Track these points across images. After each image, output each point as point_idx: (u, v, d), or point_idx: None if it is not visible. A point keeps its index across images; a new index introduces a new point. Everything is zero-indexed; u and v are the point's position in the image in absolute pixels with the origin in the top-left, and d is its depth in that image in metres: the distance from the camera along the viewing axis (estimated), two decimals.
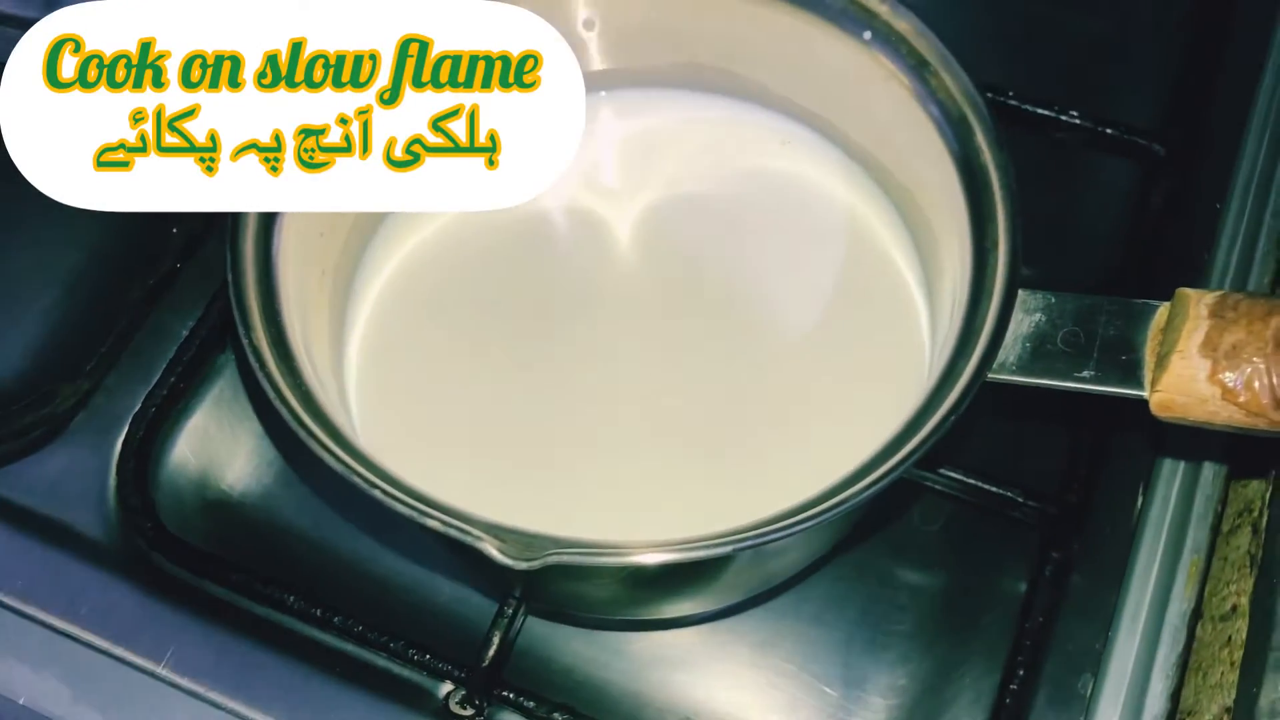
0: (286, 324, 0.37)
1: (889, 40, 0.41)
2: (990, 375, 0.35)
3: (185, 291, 0.52)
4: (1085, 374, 0.35)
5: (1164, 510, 0.46)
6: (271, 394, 0.34)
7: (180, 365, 0.49)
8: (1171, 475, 0.47)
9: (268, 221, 0.39)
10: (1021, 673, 0.43)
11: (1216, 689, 0.44)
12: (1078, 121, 0.52)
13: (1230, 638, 0.45)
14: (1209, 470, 0.47)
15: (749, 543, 0.32)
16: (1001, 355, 0.35)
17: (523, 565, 0.32)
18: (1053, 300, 0.36)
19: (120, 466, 0.48)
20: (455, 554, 0.44)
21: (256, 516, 0.48)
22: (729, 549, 0.32)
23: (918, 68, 0.40)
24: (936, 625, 0.46)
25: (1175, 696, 0.43)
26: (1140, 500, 0.47)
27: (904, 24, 0.40)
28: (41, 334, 0.51)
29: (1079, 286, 0.38)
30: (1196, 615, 0.44)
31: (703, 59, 0.46)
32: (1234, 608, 0.46)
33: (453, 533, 0.32)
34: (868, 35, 0.41)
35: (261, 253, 0.38)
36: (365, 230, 0.45)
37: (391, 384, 0.43)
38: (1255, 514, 0.46)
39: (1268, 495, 0.44)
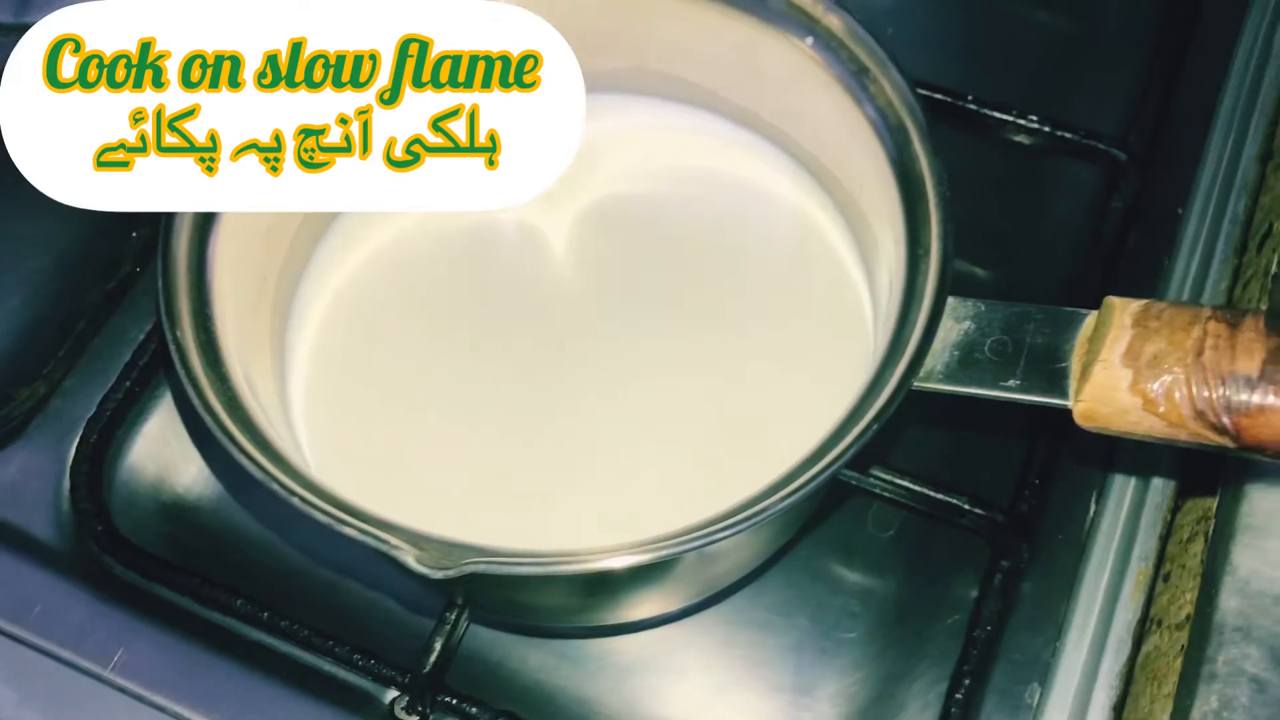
0: (218, 329, 0.37)
1: (830, 45, 0.40)
2: (916, 384, 0.35)
3: (142, 296, 0.52)
4: (1011, 383, 0.34)
5: (1115, 519, 0.46)
6: (193, 394, 0.34)
7: (135, 370, 0.50)
8: (1124, 483, 0.47)
9: (204, 221, 0.39)
10: (968, 681, 0.43)
11: (1170, 698, 0.43)
12: (1037, 125, 0.52)
13: (1183, 647, 0.44)
14: (1159, 481, 0.46)
15: (668, 550, 0.32)
16: (929, 363, 0.35)
17: (439, 574, 0.32)
18: (982, 308, 0.36)
19: (74, 470, 0.48)
20: (385, 563, 0.43)
21: (210, 521, 0.48)
22: (649, 557, 0.32)
23: (857, 74, 0.40)
24: (887, 632, 0.46)
25: (1119, 708, 0.42)
26: (1093, 509, 0.47)
27: (844, 29, 0.40)
28: (3, 337, 0.51)
29: (1037, 292, 0.38)
30: (1144, 624, 0.44)
31: (650, 64, 0.46)
32: (1188, 616, 0.45)
33: (369, 541, 0.32)
34: (810, 40, 0.41)
35: (195, 254, 0.38)
36: (310, 237, 0.45)
37: (339, 396, 0.43)
38: (1210, 522, 0.46)
39: (1215, 505, 0.44)
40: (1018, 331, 0.35)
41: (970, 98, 0.52)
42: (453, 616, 0.43)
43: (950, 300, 0.35)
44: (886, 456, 0.46)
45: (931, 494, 0.45)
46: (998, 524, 0.45)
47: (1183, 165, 0.52)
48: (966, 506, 0.45)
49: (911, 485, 0.45)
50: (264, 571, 0.47)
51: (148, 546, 0.47)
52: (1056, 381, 0.34)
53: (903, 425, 0.45)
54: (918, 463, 0.46)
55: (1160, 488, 0.46)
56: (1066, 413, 0.35)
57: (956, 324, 0.36)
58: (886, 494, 0.46)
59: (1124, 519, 0.46)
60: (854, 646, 0.46)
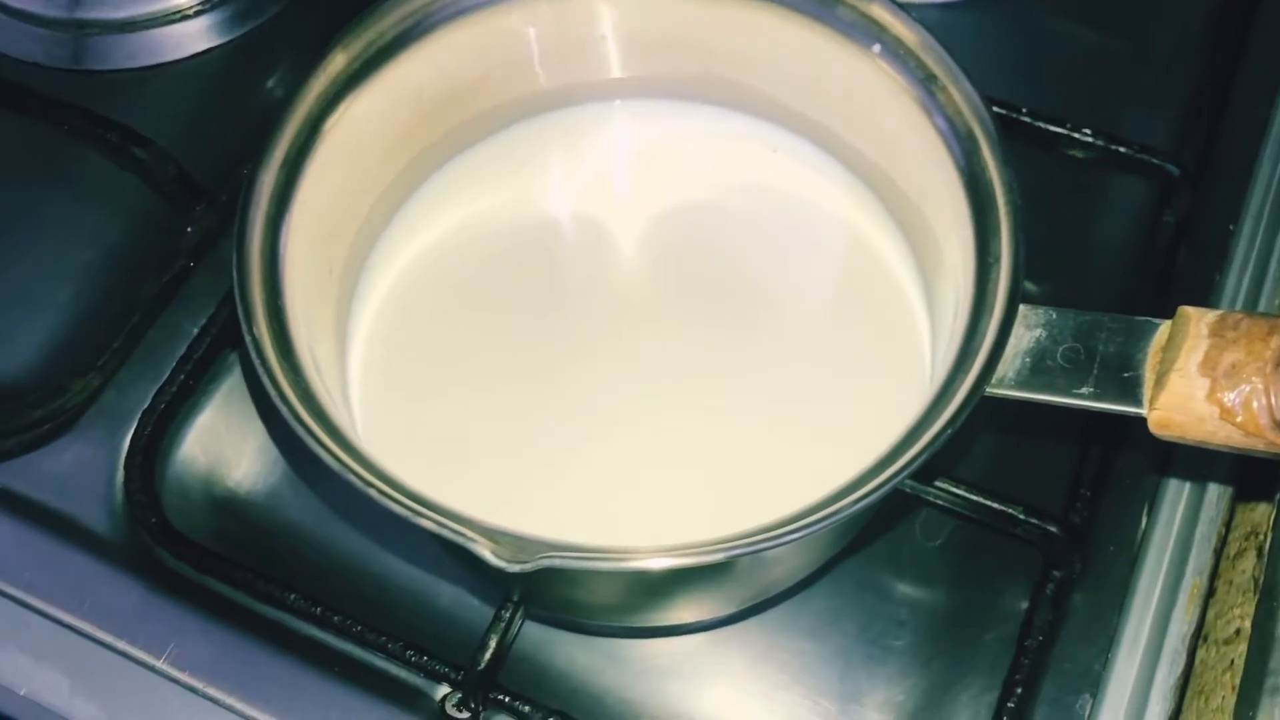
0: (290, 321, 0.37)
1: (898, 54, 0.41)
2: (989, 390, 0.35)
3: (197, 290, 0.52)
4: (1084, 390, 0.35)
5: (1168, 531, 0.46)
6: (270, 387, 0.34)
7: (190, 363, 0.50)
8: (1176, 496, 0.46)
9: (276, 221, 0.39)
10: (1019, 691, 0.43)
11: (1218, 713, 0.43)
12: (1090, 139, 0.52)
13: (1233, 662, 0.44)
14: (1214, 491, 0.46)
15: (740, 550, 0.32)
16: (1000, 370, 0.35)
17: (515, 568, 0.32)
18: (1054, 316, 0.36)
19: (128, 462, 0.48)
20: (452, 556, 0.44)
21: (262, 514, 0.48)
22: (721, 555, 0.32)
23: (925, 81, 0.40)
24: (935, 641, 0.45)
25: None
26: (1145, 520, 0.47)
27: (913, 37, 0.40)
28: (54, 329, 0.51)
29: (1089, 306, 0.37)
30: (1197, 637, 0.44)
31: (715, 71, 0.46)
32: (1237, 631, 0.45)
33: (446, 533, 0.32)
34: (877, 48, 0.41)
35: (268, 251, 0.38)
36: (374, 230, 0.45)
37: (396, 385, 0.43)
38: (1261, 537, 0.46)
39: (1272, 518, 0.44)
40: (1089, 339, 0.35)
41: (1024, 110, 0.52)
42: (508, 614, 0.43)
43: (1021, 307, 0.36)
44: (954, 466, 0.45)
45: (988, 503, 0.45)
46: (1051, 534, 0.45)
47: (1235, 180, 0.52)
48: (1021, 516, 0.45)
49: (968, 494, 0.45)
50: (315, 566, 0.47)
51: (200, 539, 0.47)
52: (1130, 390, 0.34)
53: (973, 434, 0.45)
54: (968, 471, 0.46)
55: (1214, 501, 0.46)
56: (1129, 421, 0.35)
57: (1028, 331, 0.36)
58: (940, 502, 0.46)
59: (1177, 531, 0.46)
60: (902, 655, 0.45)
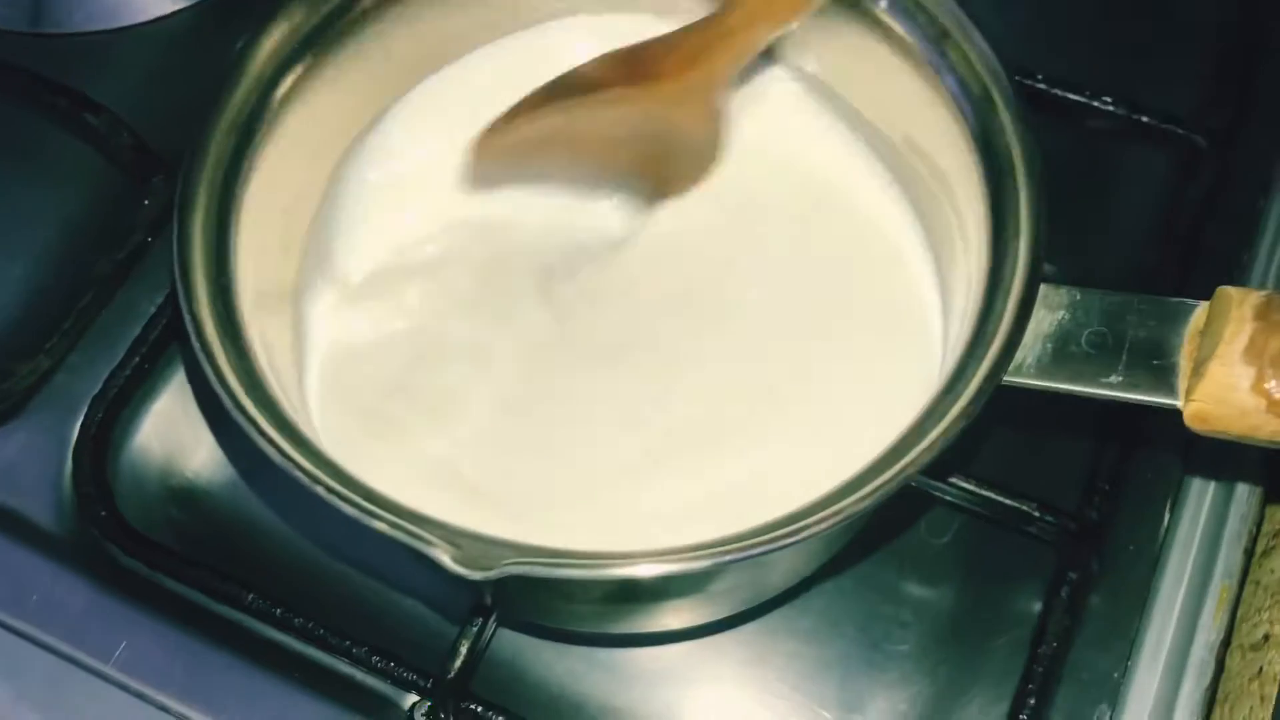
0: (238, 299, 0.34)
1: (904, 9, 0.37)
2: (1006, 378, 0.32)
3: (154, 268, 0.49)
4: (1113, 379, 0.31)
5: (1193, 530, 0.43)
6: (208, 368, 0.31)
7: (145, 345, 0.47)
8: (1202, 492, 0.44)
9: (225, 191, 0.36)
10: (1032, 701, 0.40)
11: None
12: (1111, 109, 0.49)
13: (1261, 669, 0.42)
14: (1244, 488, 0.43)
15: (730, 556, 0.29)
16: (1019, 356, 0.32)
17: (479, 575, 0.29)
18: (1078, 297, 0.33)
19: (77, 451, 0.45)
20: (414, 559, 0.41)
21: (220, 508, 0.46)
22: (708, 563, 0.29)
23: (936, 38, 0.37)
24: (941, 646, 0.43)
25: None
26: (1167, 518, 0.44)
27: None
28: (3, 309, 0.49)
29: (1108, 286, 0.35)
30: (1226, 646, 0.41)
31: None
32: (1266, 636, 0.43)
33: (401, 536, 0.29)
34: (883, 3, 0.38)
35: (214, 222, 0.35)
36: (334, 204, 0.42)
37: (357, 372, 0.40)
38: None
39: None
40: (1118, 323, 0.32)
41: (1040, 77, 0.49)
42: (480, 619, 0.40)
43: (1042, 287, 0.32)
44: (969, 462, 0.42)
45: (1001, 499, 0.42)
46: (1068, 532, 0.42)
47: (1264, 151, 0.49)
48: (1036, 514, 0.42)
49: (978, 490, 0.42)
50: (277, 564, 0.44)
51: (154, 534, 0.44)
52: (1164, 379, 0.31)
53: (988, 426, 0.41)
54: (976, 464, 0.43)
55: (1244, 497, 0.43)
56: (1154, 412, 0.32)
57: (1049, 313, 0.33)
58: (948, 498, 0.43)
59: (1202, 530, 0.43)
60: (905, 660, 0.43)
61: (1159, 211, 0.49)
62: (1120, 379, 0.31)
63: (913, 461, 0.30)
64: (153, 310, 0.48)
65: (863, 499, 0.30)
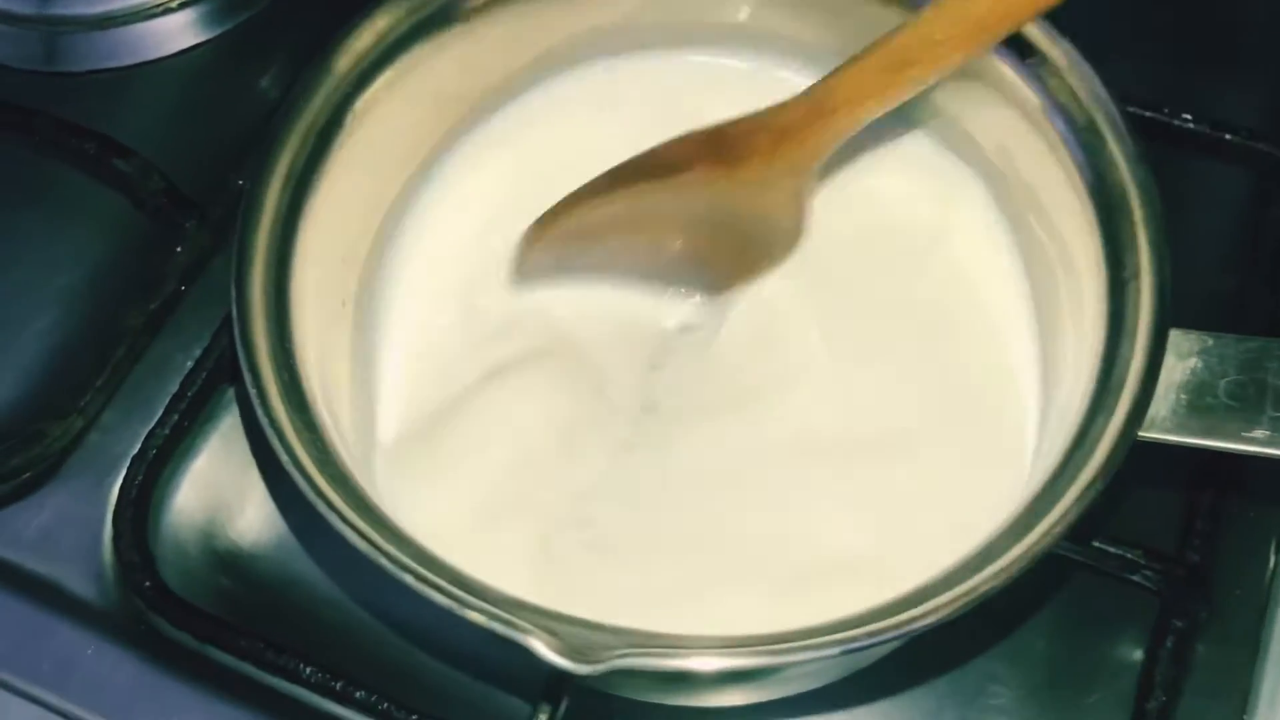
0: (301, 370, 0.32)
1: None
2: (1141, 434, 0.29)
3: (189, 318, 0.47)
4: (1258, 434, 0.29)
5: None
6: (283, 455, 0.29)
7: (184, 401, 0.44)
8: None
9: (281, 247, 0.34)
10: None
11: None
12: (1192, 126, 0.47)
13: None
14: None
15: (860, 644, 0.27)
16: (1153, 409, 0.30)
17: (585, 670, 0.26)
18: (1210, 343, 0.31)
19: (116, 516, 0.43)
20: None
21: (269, 572, 0.43)
22: (835, 651, 0.27)
23: (1035, 65, 0.35)
24: (1039, 699, 0.41)
25: None
26: (1273, 560, 0.42)
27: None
28: (29, 367, 0.47)
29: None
30: None
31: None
32: None
33: (496, 627, 0.27)
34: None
35: (273, 285, 0.33)
36: (387, 250, 0.39)
37: (426, 438, 0.37)
38: None
39: None
40: (1257, 370, 0.30)
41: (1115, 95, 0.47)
42: (555, 702, 0.38)
43: (1172, 333, 0.30)
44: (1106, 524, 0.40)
45: (1102, 547, 0.40)
46: (1174, 578, 0.40)
47: None
48: (1141, 561, 0.40)
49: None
50: (333, 631, 0.42)
51: (201, 603, 0.42)
52: None
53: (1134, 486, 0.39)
54: None
55: None
56: None
57: (1180, 361, 0.30)
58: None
59: None
60: (1000, 715, 0.40)
61: (1241, 233, 0.47)
62: (1267, 434, 0.29)
63: (1049, 530, 0.28)
64: (189, 364, 0.46)
65: (995, 576, 0.28)
